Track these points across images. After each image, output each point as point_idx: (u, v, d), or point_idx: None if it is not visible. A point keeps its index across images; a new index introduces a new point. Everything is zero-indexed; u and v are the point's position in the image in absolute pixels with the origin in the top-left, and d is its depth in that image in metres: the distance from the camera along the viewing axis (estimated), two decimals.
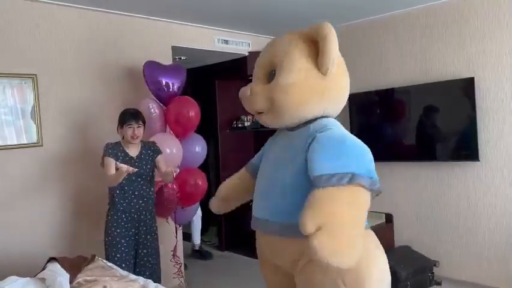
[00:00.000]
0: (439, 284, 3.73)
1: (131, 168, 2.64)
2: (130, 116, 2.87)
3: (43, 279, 2.22)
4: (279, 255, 2.02)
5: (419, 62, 3.90)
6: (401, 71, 4.01)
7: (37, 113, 3.16)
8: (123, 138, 2.93)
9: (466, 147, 3.61)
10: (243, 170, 2.39)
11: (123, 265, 2.79)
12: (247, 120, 5.00)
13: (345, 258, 1.58)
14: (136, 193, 2.88)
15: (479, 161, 3.53)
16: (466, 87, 3.55)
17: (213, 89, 4.94)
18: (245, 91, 2.06)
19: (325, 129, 1.87)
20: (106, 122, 3.53)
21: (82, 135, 3.43)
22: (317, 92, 1.92)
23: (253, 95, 2.03)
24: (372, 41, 4.22)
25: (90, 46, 3.48)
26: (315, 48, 1.90)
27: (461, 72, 3.64)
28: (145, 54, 3.70)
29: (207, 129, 4.28)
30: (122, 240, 2.86)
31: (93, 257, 2.69)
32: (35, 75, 3.16)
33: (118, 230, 2.85)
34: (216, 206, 2.42)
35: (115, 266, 2.59)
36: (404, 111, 3.98)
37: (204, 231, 5.59)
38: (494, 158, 3.52)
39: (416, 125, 3.91)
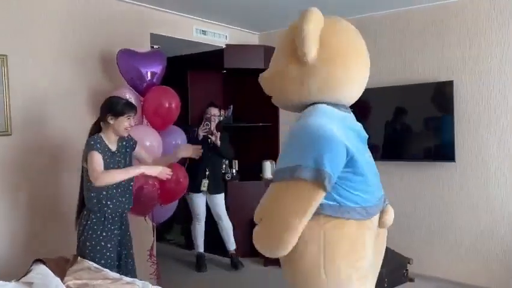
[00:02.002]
0: (412, 280, 3.83)
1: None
2: (128, 107, 2.56)
3: (30, 284, 1.98)
4: None
5: (399, 64, 3.98)
6: (380, 72, 4.06)
7: (6, 97, 2.83)
8: (100, 130, 2.57)
9: (443, 148, 3.73)
10: None
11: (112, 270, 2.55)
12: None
13: (271, 250, 1.76)
14: (120, 190, 2.59)
15: (455, 161, 3.67)
16: (445, 90, 3.66)
17: (185, 81, 4.75)
18: (260, 74, 2.14)
19: (301, 118, 1.89)
20: (80, 109, 3.28)
21: (53, 124, 3.14)
22: (295, 80, 1.90)
23: (260, 79, 2.12)
24: None
25: (67, 29, 3.21)
26: None
27: (440, 75, 3.75)
28: (123, 41, 3.48)
29: (176, 122, 4.10)
30: (108, 245, 2.55)
31: (75, 257, 2.46)
32: (5, 55, 2.84)
33: (104, 234, 2.53)
34: None
35: (101, 268, 2.38)
36: (383, 111, 4.04)
37: (168, 230, 5.39)
38: (468, 159, 3.67)
39: (394, 125, 3.99)
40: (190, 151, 2.82)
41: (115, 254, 2.61)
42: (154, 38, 3.89)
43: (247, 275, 4.15)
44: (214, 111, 4.20)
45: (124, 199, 2.63)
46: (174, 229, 5.42)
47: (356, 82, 1.96)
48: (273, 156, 4.75)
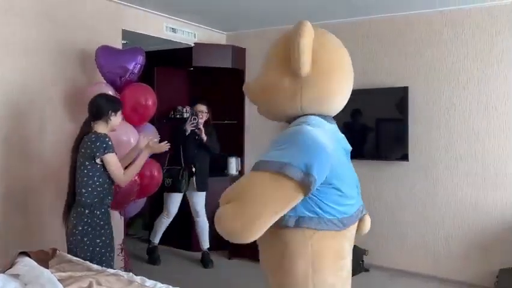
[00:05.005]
0: (367, 270, 4.14)
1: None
2: (120, 102, 2.74)
3: (16, 275, 2.01)
4: None
5: (359, 69, 4.23)
6: None
7: None
8: (89, 126, 2.61)
9: (398, 148, 4.04)
10: None
11: (112, 263, 2.62)
12: (186, 112, 4.93)
13: (234, 235, 1.66)
14: (112, 185, 2.69)
15: (408, 161, 3.99)
16: (401, 95, 3.97)
17: (152, 77, 4.77)
18: (244, 86, 2.11)
19: (293, 125, 1.90)
20: (51, 104, 3.27)
21: (25, 117, 3.11)
22: (288, 94, 1.92)
23: (245, 88, 2.09)
24: None
25: (39, 24, 3.18)
26: None
27: (396, 81, 4.06)
28: (96, 36, 3.50)
29: None
30: (113, 237, 2.67)
31: (54, 251, 2.49)
32: None
33: (111, 226, 2.63)
34: None
35: (82, 260, 2.43)
36: (343, 113, 4.26)
37: (129, 224, 5.39)
38: (420, 159, 4.00)
39: (353, 126, 4.26)
40: (144, 142, 2.81)
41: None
42: (124, 33, 3.92)
43: (213, 267, 4.28)
44: (201, 107, 4.17)
45: (112, 192, 2.71)
46: (136, 223, 5.43)
47: (344, 94, 2.01)
48: (238, 153, 4.91)
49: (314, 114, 1.99)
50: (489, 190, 3.75)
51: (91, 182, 2.53)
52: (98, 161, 2.52)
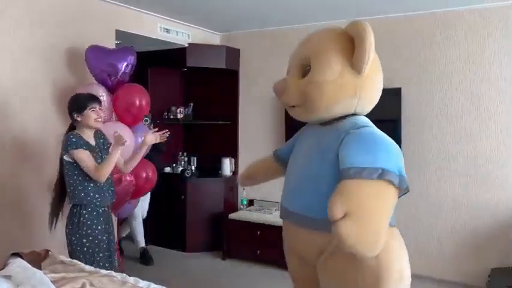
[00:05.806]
0: None
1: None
2: (89, 99, 2.56)
3: (8, 276, 1.99)
4: (306, 247, 2.08)
5: None
6: None
7: None
8: (74, 127, 2.60)
9: None
10: (268, 156, 2.53)
11: (106, 264, 2.56)
12: (180, 112, 4.93)
13: (368, 248, 1.67)
14: (106, 184, 2.62)
15: None
16: (394, 96, 3.99)
17: (146, 77, 4.76)
18: (280, 84, 2.08)
19: (357, 127, 1.92)
20: (42, 104, 3.25)
21: (14, 118, 3.08)
22: (350, 90, 1.95)
23: (287, 89, 2.05)
24: None
25: (31, 24, 3.15)
26: (352, 46, 1.90)
27: (389, 82, 4.05)
28: (89, 37, 3.48)
29: None
30: (104, 237, 2.59)
31: (47, 252, 2.48)
32: None
33: (100, 227, 2.56)
34: (243, 183, 2.69)
35: (76, 261, 2.42)
36: None
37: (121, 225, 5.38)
38: (412, 159, 4.02)
39: None
40: (154, 137, 2.73)
41: (109, 246, 2.65)
42: (118, 34, 3.90)
43: (207, 268, 4.28)
44: None
45: (110, 192, 2.66)
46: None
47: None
48: (232, 154, 4.91)
49: (358, 114, 2.07)
50: (481, 191, 3.79)
51: (72, 181, 2.53)
52: (66, 158, 2.50)
